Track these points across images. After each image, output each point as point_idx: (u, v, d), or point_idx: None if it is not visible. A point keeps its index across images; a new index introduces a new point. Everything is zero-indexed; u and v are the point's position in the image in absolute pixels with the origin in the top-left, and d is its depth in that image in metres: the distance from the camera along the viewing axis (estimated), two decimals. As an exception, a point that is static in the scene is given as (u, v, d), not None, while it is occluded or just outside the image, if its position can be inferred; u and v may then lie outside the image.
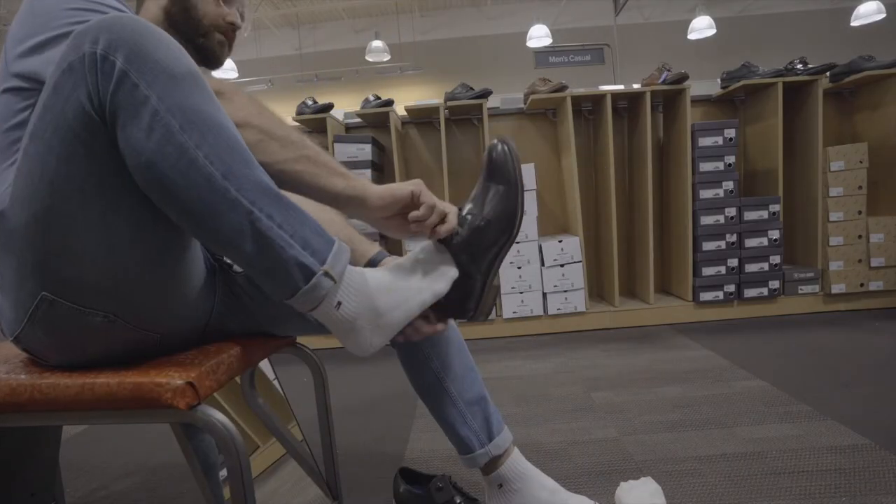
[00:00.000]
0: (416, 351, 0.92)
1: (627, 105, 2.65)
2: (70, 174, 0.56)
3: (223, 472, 0.94)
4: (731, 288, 2.39)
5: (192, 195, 0.56)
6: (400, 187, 0.71)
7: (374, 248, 0.90)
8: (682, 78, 2.38)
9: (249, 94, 0.72)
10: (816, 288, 2.41)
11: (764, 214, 2.36)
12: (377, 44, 6.34)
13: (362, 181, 0.70)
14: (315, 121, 2.44)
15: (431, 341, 0.92)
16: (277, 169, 0.67)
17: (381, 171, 2.63)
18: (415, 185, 0.72)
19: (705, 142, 2.36)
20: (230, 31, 0.88)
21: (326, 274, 0.62)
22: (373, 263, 0.87)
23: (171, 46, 0.57)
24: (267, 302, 0.80)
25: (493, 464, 0.94)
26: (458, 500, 0.98)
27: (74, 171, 0.56)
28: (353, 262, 0.79)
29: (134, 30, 0.55)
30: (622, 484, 1.03)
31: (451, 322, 0.94)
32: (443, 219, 0.74)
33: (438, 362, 0.92)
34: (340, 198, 0.70)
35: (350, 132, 2.72)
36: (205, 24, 0.85)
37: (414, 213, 0.71)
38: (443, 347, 0.93)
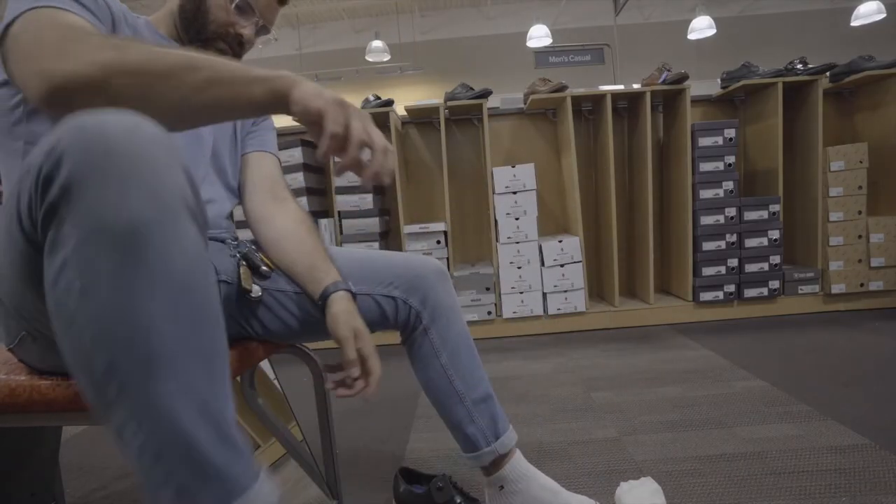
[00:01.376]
0: (424, 346, 0.93)
1: (627, 105, 2.65)
2: (13, 261, 0.53)
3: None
4: (731, 288, 2.39)
5: (77, 378, 0.45)
6: (315, 99, 0.57)
7: (331, 278, 0.81)
8: (682, 78, 2.38)
9: (105, 36, 0.61)
10: (816, 288, 2.41)
11: (764, 214, 2.36)
12: (377, 44, 6.34)
13: (281, 78, 0.58)
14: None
15: (441, 338, 0.93)
16: (185, 108, 0.57)
17: (381, 171, 2.62)
18: (327, 102, 0.57)
19: (705, 142, 2.35)
20: (235, 43, 0.86)
21: None
22: (324, 296, 0.79)
23: (128, 182, 0.43)
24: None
25: (497, 464, 0.94)
26: (459, 500, 0.98)
27: (16, 259, 0.52)
28: (308, 292, 0.81)
29: (93, 146, 0.43)
30: (622, 484, 1.03)
31: (461, 319, 0.96)
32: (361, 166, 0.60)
33: (447, 359, 0.93)
34: (263, 106, 0.60)
35: (350, 132, 2.72)
36: (210, 28, 0.83)
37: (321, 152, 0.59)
38: (452, 345, 0.93)
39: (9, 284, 0.57)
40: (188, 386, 0.44)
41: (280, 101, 0.58)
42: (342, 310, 0.77)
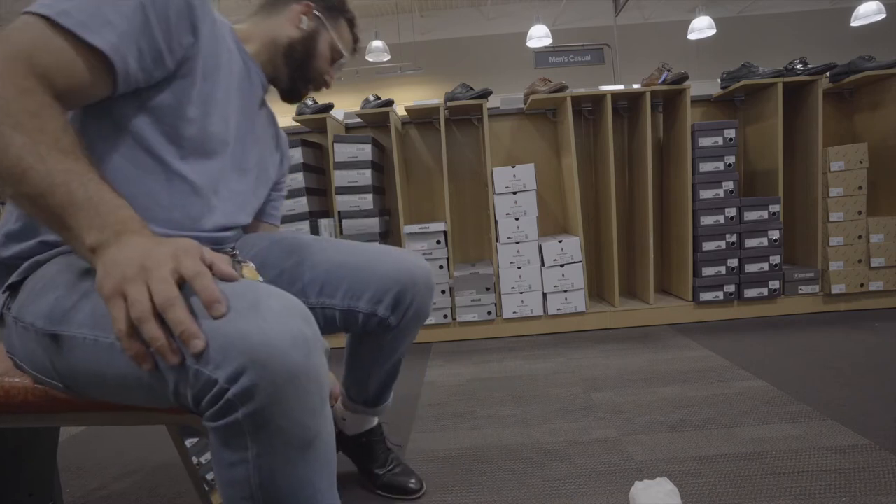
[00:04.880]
0: (372, 340, 0.99)
1: (627, 105, 2.65)
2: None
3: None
4: (731, 288, 2.39)
5: None
6: (103, 287, 0.50)
7: None
8: (682, 78, 2.38)
9: (22, 97, 0.55)
10: (816, 288, 2.41)
11: (764, 214, 2.36)
12: (377, 44, 6.34)
13: (88, 246, 0.53)
14: (315, 121, 2.44)
15: (393, 343, 0.99)
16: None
17: (382, 171, 2.63)
18: (112, 292, 0.49)
19: (705, 142, 2.35)
20: (318, 87, 0.98)
21: None
22: None
23: (307, 404, 0.51)
24: None
25: (356, 411, 1.12)
26: (377, 449, 1.14)
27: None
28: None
29: (287, 382, 0.49)
30: (637, 483, 1.02)
31: (412, 334, 1.01)
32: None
33: (385, 356, 1.03)
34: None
35: (350, 132, 2.72)
36: (310, 75, 0.94)
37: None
38: (400, 347, 1.02)
39: (94, 377, 0.58)
40: None
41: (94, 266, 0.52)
42: None
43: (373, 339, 0.98)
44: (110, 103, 0.66)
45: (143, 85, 0.66)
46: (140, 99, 0.67)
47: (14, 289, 0.67)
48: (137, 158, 0.68)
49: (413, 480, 1.11)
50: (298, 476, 0.53)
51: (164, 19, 0.64)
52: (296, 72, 0.92)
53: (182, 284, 0.49)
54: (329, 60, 0.96)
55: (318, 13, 0.93)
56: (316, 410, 0.53)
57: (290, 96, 0.96)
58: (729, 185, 2.36)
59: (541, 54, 5.75)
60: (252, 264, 0.69)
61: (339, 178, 2.34)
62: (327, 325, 0.90)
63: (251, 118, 0.87)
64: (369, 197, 2.36)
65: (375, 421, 1.14)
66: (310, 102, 2.44)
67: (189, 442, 0.99)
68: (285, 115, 3.32)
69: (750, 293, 2.39)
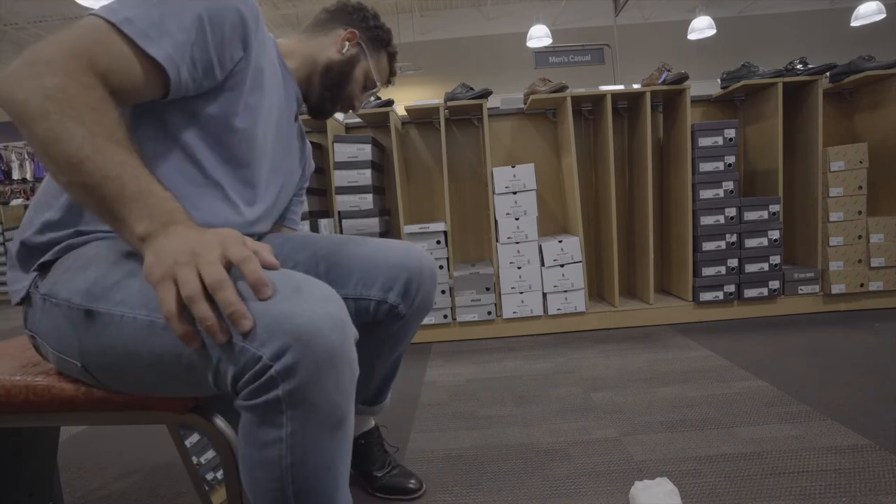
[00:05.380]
0: (379, 330, 0.99)
1: (627, 105, 2.65)
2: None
3: (219, 474, 0.94)
4: (731, 288, 2.39)
5: (260, 494, 0.58)
6: (152, 274, 0.52)
7: None
8: (682, 78, 2.38)
9: (80, 92, 0.58)
10: (816, 288, 2.41)
11: (764, 215, 2.36)
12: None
13: (139, 235, 0.55)
14: (315, 121, 2.44)
15: (398, 334, 1.01)
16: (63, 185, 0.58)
17: (381, 171, 2.62)
18: (162, 277, 0.51)
19: (705, 142, 2.35)
20: (345, 110, 1.01)
21: None
22: None
23: (340, 385, 0.55)
24: None
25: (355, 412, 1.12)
26: (375, 451, 1.12)
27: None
28: None
29: (325, 361, 0.52)
30: (637, 483, 1.03)
31: (416, 326, 1.03)
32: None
33: (388, 348, 1.03)
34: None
35: (350, 132, 2.72)
36: (340, 96, 0.98)
37: None
38: (403, 340, 1.03)
39: (124, 357, 0.60)
40: (346, 498, 0.62)
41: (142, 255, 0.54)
42: None
43: (380, 330, 0.98)
44: (161, 108, 0.69)
45: (192, 93, 0.69)
46: (189, 108, 0.71)
47: (45, 268, 0.69)
48: (180, 164, 0.71)
49: (413, 481, 1.11)
50: (326, 457, 0.56)
51: (220, 33, 0.68)
52: (328, 91, 0.96)
53: (229, 270, 0.51)
54: (362, 87, 1.00)
55: (361, 42, 0.98)
56: (348, 392, 0.56)
57: (317, 113, 1.00)
58: (729, 185, 2.36)
59: (541, 54, 5.76)
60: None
61: (339, 178, 2.34)
62: None
63: (286, 131, 0.91)
64: (369, 197, 2.36)
65: (373, 422, 1.15)
66: (310, 102, 2.44)
67: (189, 442, 0.99)
68: (285, 115, 3.32)
69: (750, 293, 2.39)
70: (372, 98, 2.50)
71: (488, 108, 2.44)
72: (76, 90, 0.55)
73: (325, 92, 0.96)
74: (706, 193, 2.36)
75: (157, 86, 0.65)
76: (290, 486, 0.56)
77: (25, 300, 0.70)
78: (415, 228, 2.35)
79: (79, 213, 0.69)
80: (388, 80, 1.08)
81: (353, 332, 0.57)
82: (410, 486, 1.10)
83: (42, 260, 0.69)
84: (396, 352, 1.06)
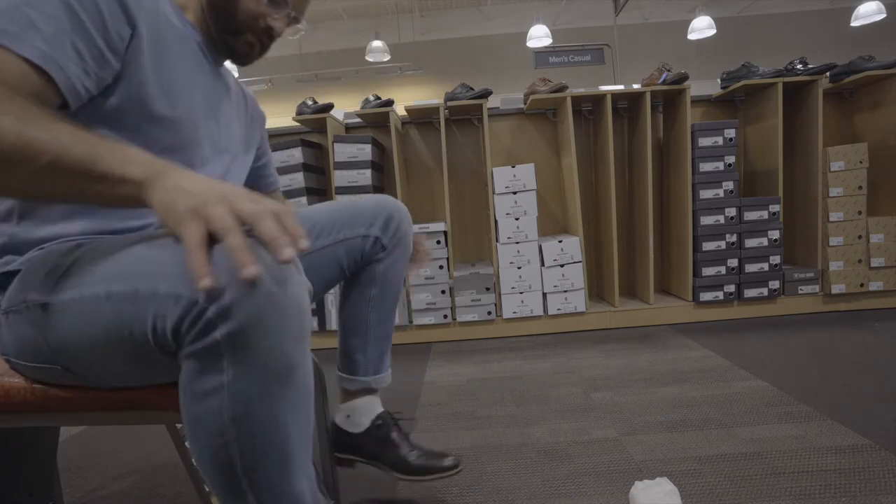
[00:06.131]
0: (365, 274, 1.00)
1: (627, 105, 2.65)
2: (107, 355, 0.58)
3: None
4: (731, 288, 2.39)
5: (206, 470, 0.54)
6: (167, 216, 0.52)
7: None
8: (682, 78, 2.38)
9: None
10: (816, 288, 2.41)
11: (764, 214, 2.36)
12: (377, 44, 6.34)
13: (136, 180, 0.53)
14: (315, 121, 2.44)
15: (384, 273, 1.00)
16: (30, 194, 0.56)
17: (382, 171, 2.62)
18: (178, 217, 0.50)
19: (705, 142, 2.35)
20: (265, 35, 0.79)
21: None
22: None
23: (286, 329, 0.51)
24: None
25: (358, 393, 1.05)
26: (394, 435, 1.05)
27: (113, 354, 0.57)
28: None
29: (267, 302, 0.49)
30: (637, 483, 1.02)
31: (406, 260, 1.04)
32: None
33: (377, 292, 1.01)
34: (119, 203, 0.58)
35: (350, 132, 2.72)
36: (239, 20, 0.77)
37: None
38: (388, 282, 1.02)
39: (84, 342, 0.58)
40: (306, 471, 0.56)
41: (140, 203, 0.52)
42: None
43: (367, 274, 1.00)
44: (82, 119, 0.62)
45: (95, 91, 0.62)
46: (94, 108, 0.63)
47: (2, 287, 0.66)
48: None
49: (449, 458, 1.03)
50: (274, 411, 0.52)
51: (96, 13, 0.59)
52: (224, 23, 0.76)
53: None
54: (259, 1, 0.76)
55: None
56: (297, 338, 0.52)
57: (234, 58, 0.81)
58: (729, 185, 2.36)
59: (541, 54, 5.75)
60: None
61: (339, 178, 2.34)
62: (330, 269, 0.96)
63: (213, 92, 0.80)
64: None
65: (380, 406, 1.08)
66: (310, 102, 2.44)
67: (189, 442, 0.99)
68: (285, 116, 3.32)
69: (750, 293, 2.39)
70: (372, 97, 2.50)
71: (488, 108, 2.44)
72: (12, 122, 0.49)
73: (219, 25, 0.76)
74: (706, 193, 2.36)
75: (51, 93, 0.57)
76: (234, 444, 0.51)
77: None
78: (415, 228, 2.35)
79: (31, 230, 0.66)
80: None
81: (302, 283, 0.54)
82: (446, 463, 1.03)
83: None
84: (386, 304, 1.03)
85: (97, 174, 0.50)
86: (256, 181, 1.05)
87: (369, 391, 1.05)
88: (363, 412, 1.04)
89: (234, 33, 0.77)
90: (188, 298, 0.49)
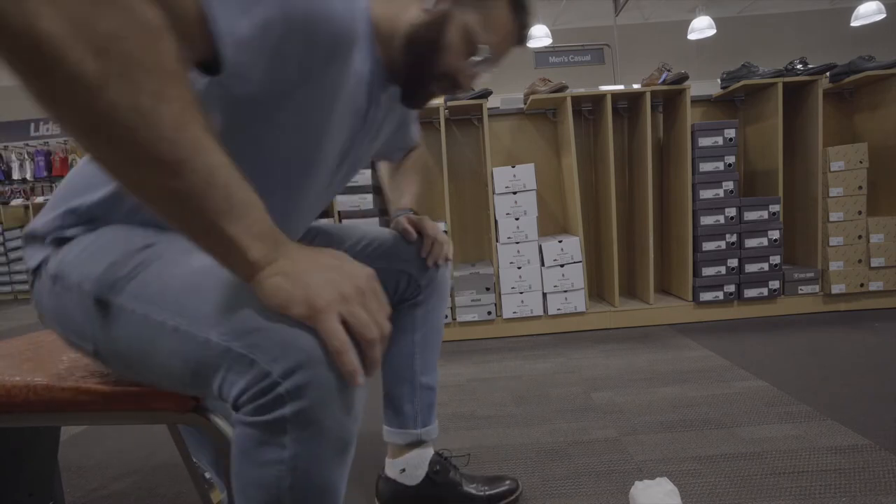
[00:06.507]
0: (406, 318, 0.99)
1: (627, 105, 2.65)
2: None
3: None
4: (731, 288, 2.39)
5: None
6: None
7: (400, 204, 1.05)
8: (682, 78, 2.38)
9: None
10: (816, 288, 2.41)
11: (764, 214, 2.36)
12: (377, 44, 6.33)
13: (248, 262, 0.47)
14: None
15: (424, 317, 0.99)
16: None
17: (381, 171, 2.62)
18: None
19: (705, 142, 2.35)
20: (449, 88, 0.72)
21: None
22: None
23: (350, 406, 0.50)
24: None
25: (411, 446, 1.02)
26: (451, 475, 1.03)
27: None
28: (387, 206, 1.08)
29: (329, 384, 0.47)
30: (637, 483, 1.03)
31: (445, 306, 1.03)
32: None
33: (420, 337, 0.99)
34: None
35: (350, 132, 2.72)
36: (436, 71, 0.69)
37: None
38: (430, 326, 1.00)
39: (133, 356, 0.57)
40: None
41: (235, 271, 0.48)
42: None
43: (408, 318, 1.00)
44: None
45: (246, 75, 0.54)
46: (230, 103, 0.57)
47: (59, 244, 0.63)
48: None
49: (507, 482, 1.06)
50: (328, 480, 0.52)
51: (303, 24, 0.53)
52: (417, 65, 0.68)
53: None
54: (462, 58, 0.69)
55: None
56: (357, 413, 0.52)
57: (406, 101, 0.74)
58: (729, 185, 2.36)
59: (541, 54, 5.76)
60: None
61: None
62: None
63: (362, 135, 0.75)
64: (369, 197, 2.36)
65: (432, 450, 1.05)
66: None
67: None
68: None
69: (750, 293, 2.39)
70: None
71: (488, 108, 2.44)
72: (139, 39, 0.38)
73: (409, 61, 0.68)
74: (706, 193, 2.36)
75: (205, 49, 0.49)
76: None
77: (35, 273, 0.65)
78: (415, 228, 2.35)
79: (116, 210, 0.63)
80: (518, 37, 0.75)
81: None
82: (507, 486, 1.05)
83: (58, 236, 0.63)
84: (429, 350, 1.01)
85: (216, 232, 0.45)
86: (400, 141, 1.04)
87: (420, 443, 1.02)
88: (418, 464, 1.01)
89: (422, 84, 0.71)
90: (262, 368, 0.47)
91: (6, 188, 6.47)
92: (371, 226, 1.05)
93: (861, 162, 2.32)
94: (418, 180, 1.11)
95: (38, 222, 0.65)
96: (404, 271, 0.97)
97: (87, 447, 1.49)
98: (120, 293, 0.56)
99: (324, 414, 0.48)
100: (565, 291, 2.38)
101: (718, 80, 2.64)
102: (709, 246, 2.38)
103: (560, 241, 2.34)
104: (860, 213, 2.34)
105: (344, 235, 0.99)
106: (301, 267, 0.47)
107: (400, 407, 1.01)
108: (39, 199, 5.63)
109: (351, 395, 0.50)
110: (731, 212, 2.36)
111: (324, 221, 2.35)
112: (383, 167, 1.16)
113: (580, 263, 2.36)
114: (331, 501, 0.54)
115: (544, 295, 2.39)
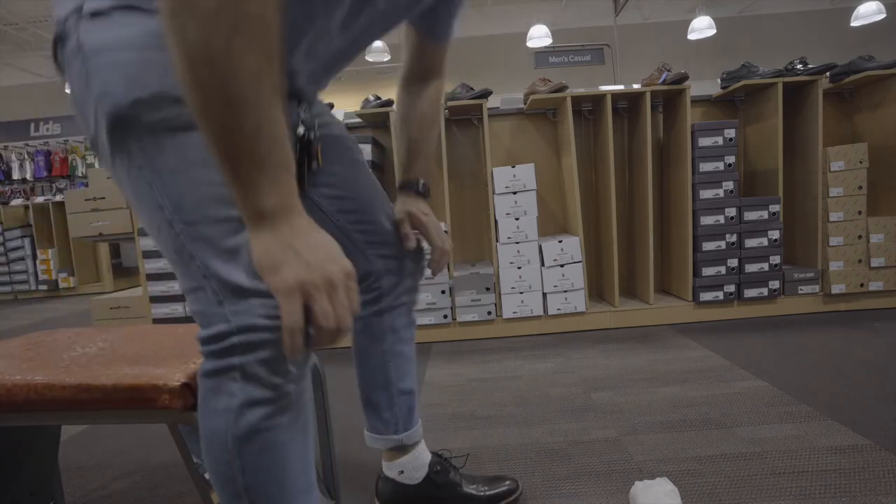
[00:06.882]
0: (376, 326, 0.97)
1: (627, 105, 2.65)
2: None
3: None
4: (731, 288, 2.39)
5: (214, 483, 0.59)
6: (267, 275, 0.53)
7: (412, 174, 1.00)
8: (682, 78, 2.38)
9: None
10: (816, 288, 2.41)
11: (764, 214, 2.36)
12: (377, 44, 6.34)
13: (252, 215, 0.50)
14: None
15: (392, 325, 0.97)
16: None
17: (382, 170, 2.62)
18: (277, 292, 0.54)
19: (705, 142, 2.35)
20: None
21: None
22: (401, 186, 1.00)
23: (289, 380, 0.55)
24: None
25: (400, 450, 1.01)
26: (452, 476, 1.03)
27: None
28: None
29: (275, 359, 0.53)
30: (637, 483, 1.02)
31: (412, 317, 1.00)
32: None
33: (391, 345, 0.97)
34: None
35: (350, 132, 2.71)
36: None
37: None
38: (400, 335, 0.98)
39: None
40: (306, 494, 0.60)
41: (240, 209, 0.50)
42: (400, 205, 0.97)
43: (377, 327, 0.96)
44: None
45: None
46: None
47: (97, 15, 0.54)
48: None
49: (507, 482, 1.06)
50: (276, 439, 0.56)
51: None
52: None
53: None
54: None
55: None
56: (303, 373, 0.57)
57: None
58: (729, 185, 2.36)
59: (541, 54, 5.76)
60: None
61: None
62: None
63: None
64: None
65: (428, 451, 1.06)
66: (310, 102, 2.44)
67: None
68: (285, 115, 3.31)
69: (750, 293, 2.39)
70: (372, 97, 2.50)
71: (488, 108, 2.44)
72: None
73: None
74: (706, 193, 2.36)
75: None
76: (236, 461, 0.55)
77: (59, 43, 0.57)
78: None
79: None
80: None
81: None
82: (507, 486, 1.05)
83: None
84: (403, 356, 0.99)
85: (244, 174, 0.47)
86: (445, 15, 0.96)
87: (407, 447, 1.02)
88: (416, 466, 1.02)
89: None
90: (224, 313, 0.53)
91: (6, 188, 6.48)
92: (383, 196, 0.98)
93: (861, 162, 2.32)
94: (433, 137, 1.03)
95: None
96: (372, 273, 0.93)
97: (87, 447, 1.49)
98: (183, 219, 0.55)
99: (269, 374, 0.53)
100: (565, 291, 2.38)
101: (718, 80, 2.64)
102: (709, 246, 2.38)
103: (560, 241, 2.34)
104: (860, 213, 2.34)
105: (365, 196, 0.94)
106: (295, 240, 0.50)
107: (379, 414, 1.00)
108: (39, 199, 5.64)
109: (294, 364, 0.55)
110: (731, 212, 2.36)
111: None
112: (400, 101, 1.06)
113: (580, 263, 2.36)
114: (278, 459, 0.56)
115: (544, 295, 2.39)
